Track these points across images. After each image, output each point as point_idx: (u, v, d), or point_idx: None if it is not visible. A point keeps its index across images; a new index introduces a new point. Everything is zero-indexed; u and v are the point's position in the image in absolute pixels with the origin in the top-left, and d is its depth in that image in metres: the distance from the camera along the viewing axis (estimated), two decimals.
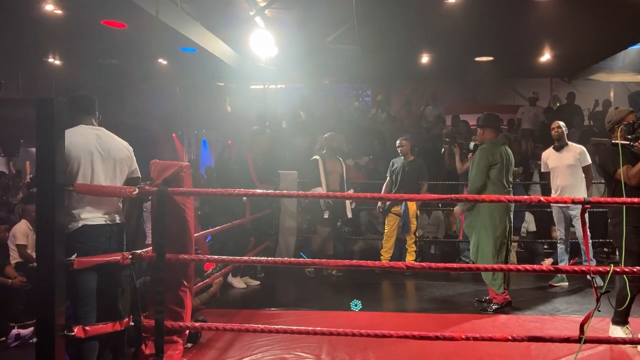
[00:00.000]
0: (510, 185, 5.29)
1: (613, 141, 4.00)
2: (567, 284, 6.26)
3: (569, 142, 6.22)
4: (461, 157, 7.29)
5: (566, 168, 6.10)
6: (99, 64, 10.73)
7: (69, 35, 8.67)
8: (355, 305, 5.33)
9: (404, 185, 6.83)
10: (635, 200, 3.10)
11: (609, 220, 4.18)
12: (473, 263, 6.78)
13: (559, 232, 6.30)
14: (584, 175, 6.04)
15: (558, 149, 6.22)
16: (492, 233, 5.11)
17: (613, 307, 3.78)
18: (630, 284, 3.77)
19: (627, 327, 4.14)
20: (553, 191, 6.25)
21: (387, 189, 7.09)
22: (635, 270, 3.15)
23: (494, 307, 5.18)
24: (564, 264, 6.19)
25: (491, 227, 5.11)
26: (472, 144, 7.53)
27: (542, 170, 6.50)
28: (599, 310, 2.92)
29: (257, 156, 6.56)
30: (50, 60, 10.45)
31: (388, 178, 7.11)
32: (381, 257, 7.00)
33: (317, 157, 7.04)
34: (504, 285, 5.21)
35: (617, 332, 4.13)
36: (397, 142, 7.05)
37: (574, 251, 7.65)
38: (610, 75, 12.55)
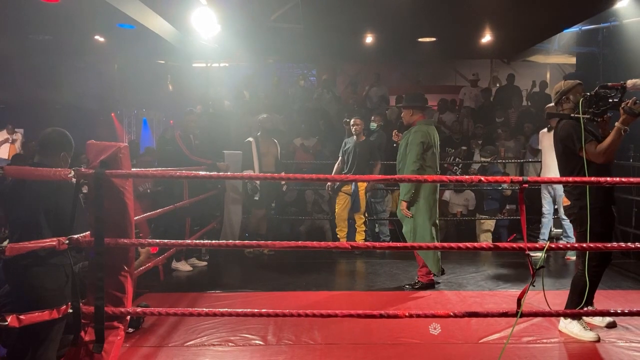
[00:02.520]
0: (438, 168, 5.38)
1: (572, 115, 3.78)
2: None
3: None
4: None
5: (553, 148, 6.30)
6: (31, 40, 10.19)
7: None
8: None
9: (356, 165, 6.85)
10: (577, 178, 3.14)
11: (572, 202, 3.89)
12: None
13: (544, 208, 6.70)
14: None
15: (550, 129, 6.37)
16: (429, 217, 5.18)
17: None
18: (588, 270, 3.70)
19: (584, 321, 3.91)
20: (542, 169, 6.60)
21: (338, 168, 7.09)
22: (570, 245, 3.27)
23: (416, 286, 5.31)
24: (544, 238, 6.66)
25: (428, 211, 5.17)
26: (373, 125, 7.69)
27: (539, 147, 6.87)
28: (534, 285, 3.03)
29: (188, 135, 6.42)
30: None
31: (340, 158, 7.10)
32: (337, 235, 7.06)
33: (251, 139, 6.99)
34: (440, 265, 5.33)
35: (572, 326, 3.91)
36: (352, 121, 7.00)
37: (512, 228, 7.95)
38: (546, 57, 12.99)
